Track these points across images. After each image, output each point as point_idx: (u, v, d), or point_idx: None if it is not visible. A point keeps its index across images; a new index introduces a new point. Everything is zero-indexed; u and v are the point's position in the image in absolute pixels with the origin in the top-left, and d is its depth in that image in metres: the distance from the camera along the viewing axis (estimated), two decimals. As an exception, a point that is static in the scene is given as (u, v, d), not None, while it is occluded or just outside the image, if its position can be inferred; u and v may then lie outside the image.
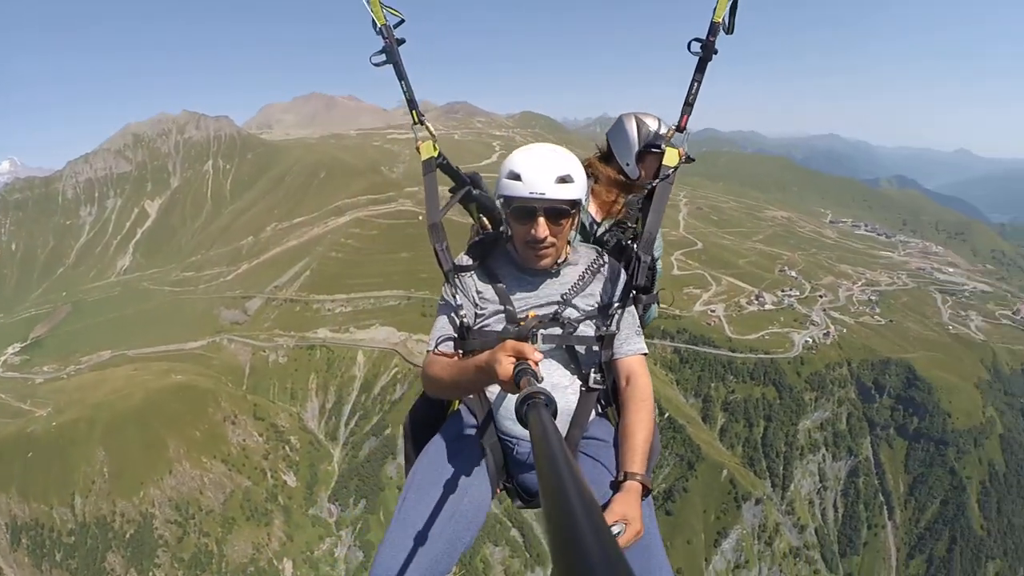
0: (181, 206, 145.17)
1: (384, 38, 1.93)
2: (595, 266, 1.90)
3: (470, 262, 1.91)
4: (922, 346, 67.84)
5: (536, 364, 1.31)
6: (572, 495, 0.54)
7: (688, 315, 69.16)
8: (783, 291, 78.81)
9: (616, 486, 1.58)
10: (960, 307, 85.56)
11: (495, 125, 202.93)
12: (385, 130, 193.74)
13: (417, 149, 2.01)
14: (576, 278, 1.87)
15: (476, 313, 1.85)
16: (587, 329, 1.82)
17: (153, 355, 73.77)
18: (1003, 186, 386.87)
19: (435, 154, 2.01)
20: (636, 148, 2.48)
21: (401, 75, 1.98)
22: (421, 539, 1.55)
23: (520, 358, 1.33)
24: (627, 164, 2.49)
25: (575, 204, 1.74)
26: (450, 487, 1.66)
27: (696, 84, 1.92)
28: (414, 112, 2.03)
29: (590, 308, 1.84)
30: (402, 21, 1.95)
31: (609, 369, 1.82)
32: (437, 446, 1.79)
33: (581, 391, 1.79)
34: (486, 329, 1.83)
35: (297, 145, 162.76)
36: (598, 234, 2.33)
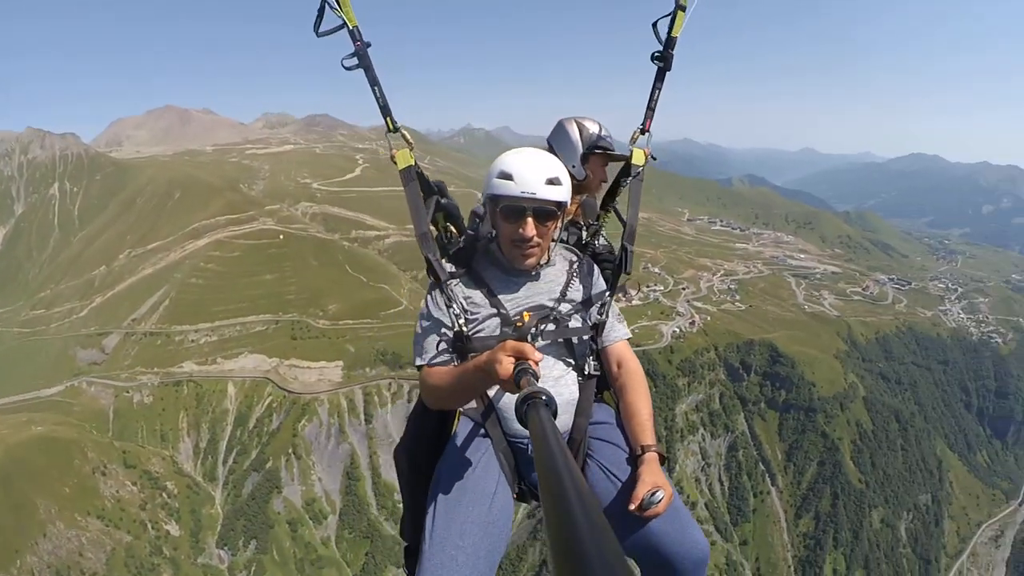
0: (27, 236, 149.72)
1: (355, 41, 2.29)
2: (573, 263, 2.50)
3: (454, 269, 2.37)
4: (782, 326, 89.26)
5: (536, 364, 1.65)
6: (572, 495, 0.68)
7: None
8: (648, 287, 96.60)
9: (635, 460, 2.15)
10: (813, 288, 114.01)
11: (357, 138, 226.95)
12: (243, 145, 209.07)
13: (392, 158, 2.43)
14: (559, 276, 2.43)
15: (467, 319, 2.27)
16: (578, 322, 2.39)
17: (7, 406, 75.91)
18: (845, 179, 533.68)
19: (412, 162, 2.44)
20: (580, 150, 3.05)
21: (374, 80, 2.35)
22: (464, 558, 1.86)
23: (520, 358, 1.67)
24: (573, 166, 3.01)
25: (561, 206, 2.22)
26: (477, 500, 2.01)
27: (656, 91, 2.66)
28: (388, 119, 2.41)
29: (577, 302, 2.40)
30: (343, 25, 2.31)
31: (599, 357, 2.43)
32: (451, 463, 2.14)
33: (579, 381, 2.35)
34: (482, 334, 2.27)
35: (150, 163, 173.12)
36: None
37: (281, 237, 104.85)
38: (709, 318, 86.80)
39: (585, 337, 2.37)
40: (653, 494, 1.94)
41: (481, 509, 1.98)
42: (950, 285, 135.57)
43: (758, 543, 67.85)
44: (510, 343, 1.72)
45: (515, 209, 2.17)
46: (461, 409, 2.29)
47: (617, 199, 2.93)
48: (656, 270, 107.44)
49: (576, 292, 2.41)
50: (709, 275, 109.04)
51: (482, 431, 2.21)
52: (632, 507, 1.97)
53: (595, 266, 2.57)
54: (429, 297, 2.33)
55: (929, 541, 72.17)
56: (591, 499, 0.69)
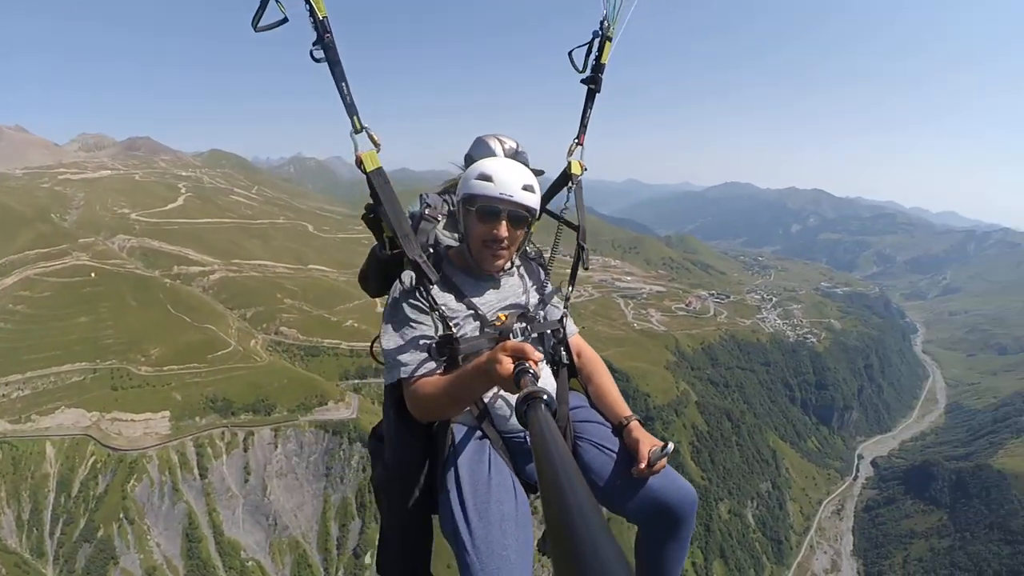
0: None
1: (324, 32, 2.77)
2: (525, 266, 3.47)
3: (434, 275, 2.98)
4: (614, 344, 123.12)
5: (536, 363, 2.20)
6: (571, 494, 0.91)
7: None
8: None
9: (620, 430, 3.12)
10: (641, 307, 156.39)
11: (181, 164, 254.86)
12: (56, 169, 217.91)
13: (358, 161, 2.95)
14: (518, 278, 3.35)
15: (435, 325, 2.94)
16: (545, 317, 3.33)
17: None
18: (666, 206, 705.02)
19: (380, 165, 3.00)
20: None
21: (342, 75, 2.84)
22: (515, 555, 2.43)
23: (519, 357, 2.23)
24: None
25: (532, 213, 3.07)
26: (503, 497, 2.63)
27: (588, 110, 3.69)
28: (355, 119, 2.90)
29: (539, 300, 3.35)
30: (284, 20, 2.81)
31: (567, 348, 3.35)
32: (464, 469, 2.76)
33: (554, 371, 3.23)
34: (468, 336, 2.97)
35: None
36: None
37: (93, 275, 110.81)
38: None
39: (553, 331, 3.33)
40: (662, 448, 2.91)
41: (510, 505, 2.65)
42: (765, 296, 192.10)
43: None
44: (509, 343, 2.33)
45: (491, 210, 3.00)
46: (456, 418, 2.99)
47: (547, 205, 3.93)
48: None
49: (536, 292, 3.41)
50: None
51: (479, 433, 2.95)
52: (642, 466, 2.89)
53: (541, 267, 3.64)
54: (406, 305, 2.98)
55: (776, 524, 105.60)
56: (592, 499, 0.92)
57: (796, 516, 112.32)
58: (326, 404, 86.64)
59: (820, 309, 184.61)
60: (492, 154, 3.76)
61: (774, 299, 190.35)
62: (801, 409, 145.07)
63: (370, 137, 2.98)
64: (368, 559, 76.49)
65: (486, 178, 2.99)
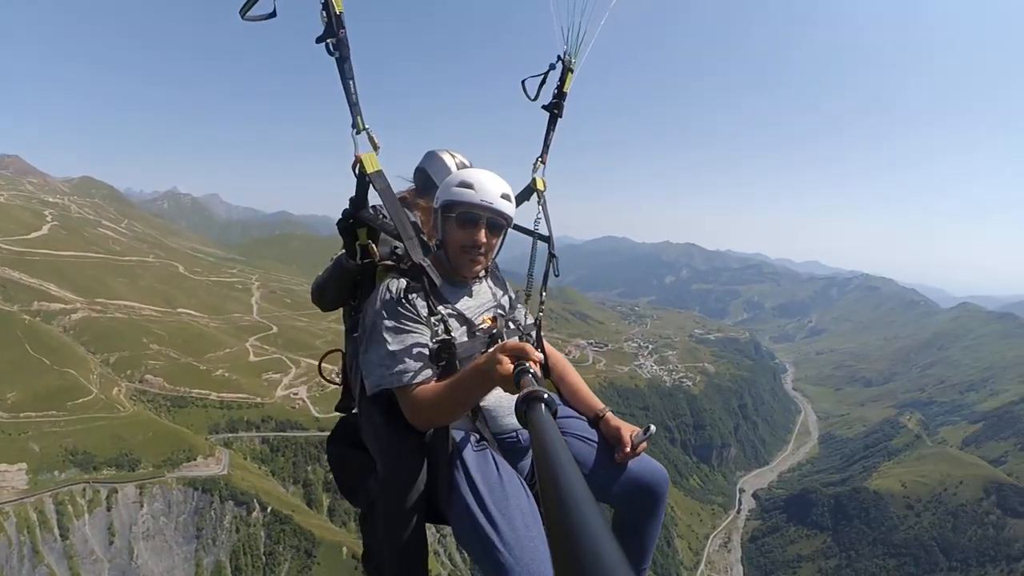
0: None
1: (339, 27, 2.84)
2: (492, 273, 3.52)
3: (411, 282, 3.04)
4: None
5: (536, 364, 2.23)
6: (573, 493, 0.94)
7: (271, 401, 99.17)
8: None
9: (597, 422, 3.34)
10: None
11: (49, 189, 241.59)
12: None
13: (357, 162, 3.00)
14: (491, 284, 3.43)
15: (433, 330, 2.96)
16: (522, 321, 3.49)
17: None
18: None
19: (380, 168, 3.06)
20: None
21: (350, 72, 2.92)
22: (542, 546, 2.49)
23: (519, 358, 2.27)
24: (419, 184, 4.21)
25: (509, 222, 3.17)
26: (517, 492, 2.71)
27: (551, 133, 4.03)
28: (359, 118, 2.97)
29: (511, 305, 3.48)
30: (273, 14, 2.94)
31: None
32: (474, 470, 2.78)
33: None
34: (461, 340, 2.99)
35: None
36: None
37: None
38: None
39: (532, 333, 3.45)
40: (644, 431, 3.17)
41: (524, 499, 2.71)
42: (642, 343, 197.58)
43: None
44: (509, 343, 2.38)
45: (471, 217, 3.06)
46: (452, 424, 2.95)
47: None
48: None
49: (507, 297, 3.51)
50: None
51: (476, 435, 2.97)
52: (627, 450, 3.12)
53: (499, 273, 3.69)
54: (396, 312, 2.95)
55: (666, 561, 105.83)
56: (592, 499, 0.93)
57: (685, 552, 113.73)
58: (194, 459, 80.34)
59: (694, 354, 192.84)
60: (446, 167, 4.00)
61: (650, 346, 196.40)
62: (681, 449, 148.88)
63: (370, 139, 3.02)
64: None
65: (467, 185, 3.06)
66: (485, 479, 2.71)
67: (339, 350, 3.86)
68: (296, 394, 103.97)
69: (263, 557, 75.05)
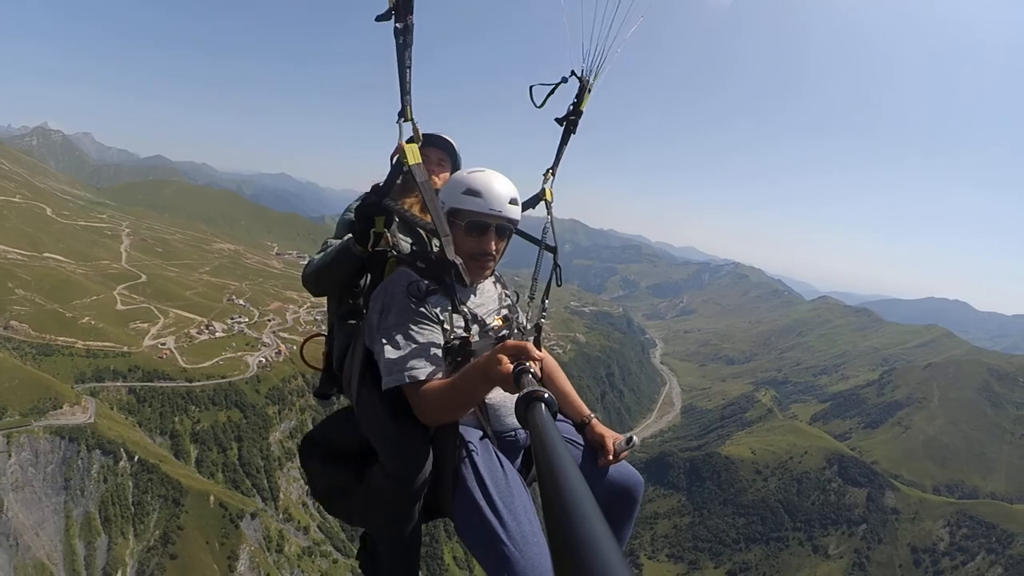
0: None
1: (408, 13, 2.88)
2: (495, 275, 3.55)
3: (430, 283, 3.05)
4: None
5: (536, 363, 2.27)
6: (573, 493, 0.95)
7: (138, 351, 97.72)
8: (232, 319, 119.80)
9: (583, 427, 3.41)
10: None
11: None
12: None
13: (399, 151, 3.06)
14: (494, 285, 3.49)
15: (444, 328, 3.02)
16: (525, 323, 3.53)
17: None
18: None
19: (420, 160, 3.05)
20: None
21: (410, 59, 2.95)
22: (542, 541, 2.54)
23: (519, 357, 2.31)
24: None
25: (516, 225, 3.21)
26: (521, 490, 2.79)
27: (563, 146, 4.09)
28: (409, 107, 3.01)
29: (514, 307, 3.52)
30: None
31: None
32: (482, 468, 2.81)
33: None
34: (474, 340, 3.05)
35: None
36: None
37: None
38: (295, 347, 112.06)
39: (532, 336, 3.48)
40: (627, 440, 3.26)
41: (527, 496, 2.78)
42: (547, 320, 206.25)
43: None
44: (510, 343, 2.41)
45: (481, 225, 3.06)
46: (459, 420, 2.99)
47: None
48: (241, 302, 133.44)
49: (509, 299, 3.54)
50: (296, 307, 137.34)
51: (480, 432, 3.02)
52: (609, 458, 3.19)
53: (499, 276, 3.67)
54: (411, 307, 2.95)
55: None
56: (592, 499, 0.94)
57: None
58: (61, 408, 77.94)
59: (567, 324, 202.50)
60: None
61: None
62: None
63: (415, 129, 3.05)
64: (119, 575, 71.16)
65: (475, 193, 3.04)
66: (492, 475, 2.78)
67: (322, 334, 3.82)
68: (164, 344, 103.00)
69: (132, 507, 74.73)
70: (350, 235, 3.30)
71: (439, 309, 3.00)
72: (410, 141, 3.05)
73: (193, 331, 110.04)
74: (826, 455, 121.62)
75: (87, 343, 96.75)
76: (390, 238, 3.28)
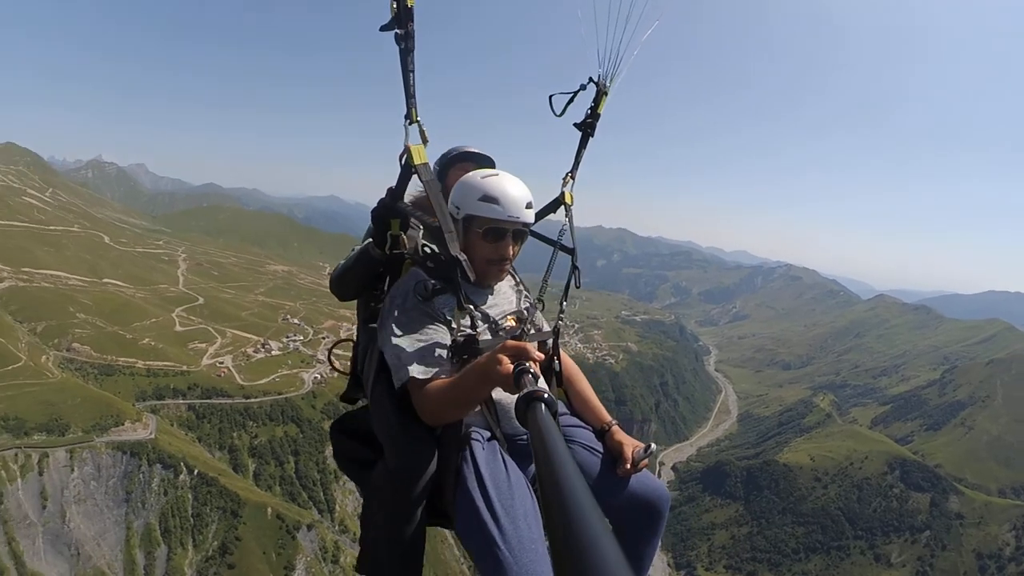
0: None
1: (409, 20, 2.96)
2: (512, 276, 3.59)
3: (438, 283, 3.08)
4: None
5: (536, 364, 2.30)
6: (573, 494, 0.95)
7: (197, 370, 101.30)
8: (288, 337, 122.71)
9: (602, 434, 3.35)
10: None
11: None
12: None
13: (406, 151, 3.09)
14: (512, 286, 3.50)
15: (452, 328, 3.04)
16: (541, 325, 3.57)
17: None
18: None
19: (427, 160, 3.12)
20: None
21: (413, 64, 3.02)
22: (543, 549, 2.50)
23: (519, 357, 2.34)
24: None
25: (529, 227, 3.24)
26: (524, 494, 2.73)
27: (582, 150, 4.11)
28: (414, 109, 3.04)
29: (530, 309, 3.49)
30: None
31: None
32: (485, 469, 2.78)
33: (546, 379, 3.34)
34: (484, 339, 3.06)
35: None
36: None
37: None
38: (348, 362, 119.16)
39: (549, 340, 3.49)
40: (646, 449, 3.19)
41: (529, 501, 2.71)
42: (568, 323, 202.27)
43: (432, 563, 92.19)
44: (509, 343, 2.43)
45: (499, 231, 3.09)
46: (465, 420, 2.97)
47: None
48: (296, 321, 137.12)
49: (526, 300, 3.54)
50: (349, 324, 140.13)
51: (487, 434, 2.99)
52: (627, 466, 3.11)
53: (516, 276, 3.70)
54: (419, 306, 2.99)
55: None
56: (592, 500, 0.94)
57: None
58: (122, 424, 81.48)
59: (619, 334, 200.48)
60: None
61: (576, 325, 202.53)
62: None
63: (421, 131, 3.10)
64: None
65: (492, 200, 3.06)
66: (493, 476, 2.76)
67: (350, 339, 3.91)
68: (222, 363, 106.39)
69: (191, 519, 77.00)
70: (369, 239, 3.40)
71: (447, 309, 3.03)
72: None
73: (250, 350, 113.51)
74: (887, 460, 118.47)
75: (147, 363, 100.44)
76: (406, 240, 3.33)
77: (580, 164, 4.12)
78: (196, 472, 79.46)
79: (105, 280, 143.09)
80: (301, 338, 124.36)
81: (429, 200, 3.57)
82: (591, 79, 3.99)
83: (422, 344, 2.89)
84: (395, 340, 2.91)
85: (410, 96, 3.03)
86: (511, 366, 2.29)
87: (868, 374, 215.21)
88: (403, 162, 3.11)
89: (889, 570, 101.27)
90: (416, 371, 2.81)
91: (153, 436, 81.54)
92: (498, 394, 2.90)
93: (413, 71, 3.01)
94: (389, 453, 2.96)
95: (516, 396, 2.02)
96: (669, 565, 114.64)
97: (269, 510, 77.78)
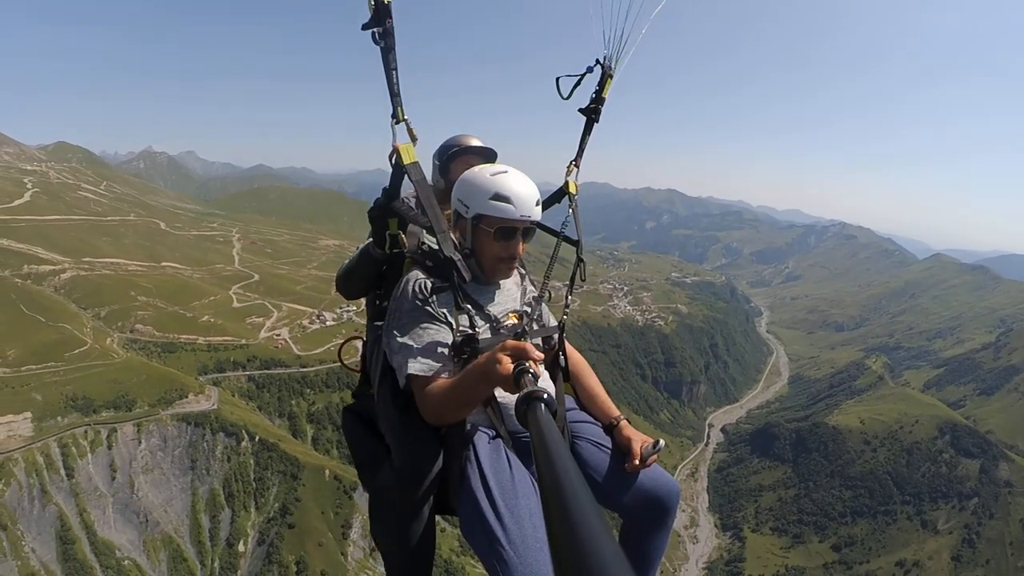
0: None
1: (387, 16, 2.94)
2: (518, 271, 3.55)
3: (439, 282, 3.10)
4: None
5: (536, 363, 2.31)
6: (572, 494, 0.95)
7: (255, 343, 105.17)
8: (341, 308, 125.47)
9: (611, 428, 3.34)
10: None
11: (25, 158, 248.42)
12: None
13: (395, 152, 3.13)
14: (516, 283, 3.47)
15: (452, 326, 3.04)
16: (546, 321, 3.61)
17: None
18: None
19: (416, 159, 3.13)
20: (437, 162, 4.25)
21: (394, 62, 3.02)
22: (546, 548, 2.35)
23: (519, 358, 2.34)
24: (436, 180, 4.25)
25: (537, 224, 3.24)
26: (528, 492, 2.74)
27: (587, 137, 4.05)
28: (400, 108, 3.06)
29: (535, 304, 3.48)
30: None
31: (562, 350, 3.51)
32: (489, 468, 2.82)
33: (551, 374, 3.42)
34: (484, 337, 3.06)
35: None
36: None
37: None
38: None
39: (555, 335, 3.49)
40: (654, 445, 3.18)
41: (533, 499, 2.71)
42: (617, 285, 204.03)
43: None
44: (509, 343, 2.45)
45: (511, 230, 3.08)
46: (469, 419, 3.00)
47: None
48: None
49: (531, 296, 3.53)
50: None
51: (492, 432, 3.02)
52: (635, 462, 3.11)
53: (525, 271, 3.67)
54: (419, 305, 3.01)
55: None
56: (592, 499, 0.93)
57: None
58: (186, 397, 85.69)
59: (669, 296, 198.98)
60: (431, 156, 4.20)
61: (625, 288, 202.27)
62: (652, 385, 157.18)
63: (409, 130, 3.16)
64: (241, 547, 77.86)
65: (504, 199, 3.03)
66: (496, 475, 2.78)
67: (359, 337, 3.95)
68: (279, 335, 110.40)
69: (253, 483, 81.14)
70: (370, 239, 3.49)
71: (448, 307, 3.06)
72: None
73: (305, 321, 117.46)
74: (938, 424, 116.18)
75: (208, 339, 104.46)
76: (405, 239, 3.38)
77: (584, 151, 4.11)
78: (257, 439, 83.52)
79: (163, 264, 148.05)
80: (354, 308, 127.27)
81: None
82: (597, 61, 3.96)
83: (422, 343, 2.95)
84: (395, 339, 3.00)
85: (395, 95, 3.10)
86: (511, 366, 2.35)
87: (922, 336, 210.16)
88: (393, 162, 3.20)
89: (935, 536, 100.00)
90: (416, 370, 2.89)
91: (216, 407, 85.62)
92: (501, 393, 2.94)
93: (396, 69, 3.06)
94: (395, 452, 3.05)
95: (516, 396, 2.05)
96: (716, 526, 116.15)
97: (327, 472, 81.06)
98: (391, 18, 2.95)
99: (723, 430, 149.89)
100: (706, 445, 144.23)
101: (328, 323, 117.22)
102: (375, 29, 2.97)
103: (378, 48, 3.04)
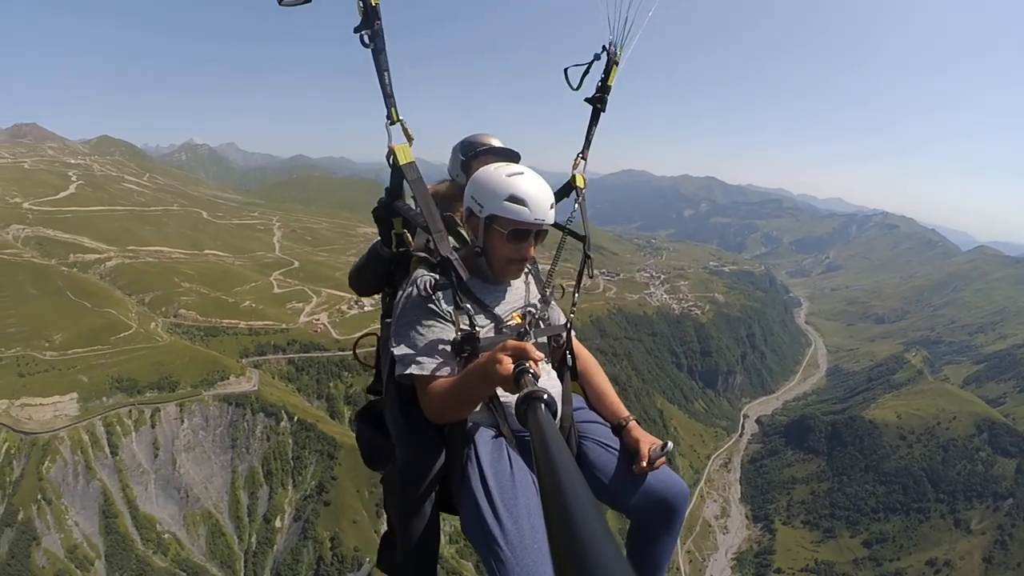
0: None
1: (375, 18, 2.94)
2: (529, 270, 3.50)
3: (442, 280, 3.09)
4: None
5: (536, 363, 2.31)
6: (571, 494, 0.95)
7: (295, 327, 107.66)
8: (379, 293, 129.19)
9: (619, 429, 3.34)
10: None
11: (69, 152, 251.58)
12: None
13: (391, 153, 3.12)
14: (525, 282, 3.46)
15: (457, 324, 3.05)
16: (553, 320, 3.55)
17: None
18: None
19: (412, 159, 3.14)
20: (461, 158, 4.21)
21: (385, 63, 3.02)
22: (545, 549, 2.43)
23: (519, 357, 2.35)
24: (457, 175, 4.23)
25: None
26: (528, 492, 2.72)
27: (593, 127, 4.01)
28: (393, 109, 3.06)
29: (543, 303, 3.47)
30: None
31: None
32: (489, 467, 2.82)
33: (558, 373, 3.43)
34: (487, 336, 3.05)
35: None
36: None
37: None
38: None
39: (563, 335, 3.49)
40: (662, 447, 3.16)
41: (533, 499, 2.69)
42: (654, 274, 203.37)
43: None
44: (510, 343, 2.47)
45: (524, 233, 3.07)
46: (472, 418, 3.02)
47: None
48: None
49: (538, 294, 3.51)
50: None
51: (494, 431, 3.03)
52: (643, 464, 3.09)
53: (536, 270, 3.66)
54: (423, 304, 3.03)
55: None
56: (592, 499, 0.93)
57: (686, 470, 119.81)
58: (227, 379, 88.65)
59: (706, 285, 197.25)
60: (453, 153, 4.27)
61: (662, 276, 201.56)
62: (688, 375, 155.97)
63: (404, 131, 3.14)
64: (278, 523, 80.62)
65: (519, 202, 3.01)
66: (496, 474, 2.78)
67: (373, 333, 3.94)
68: (318, 320, 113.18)
69: (291, 461, 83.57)
70: (378, 238, 3.54)
71: (452, 307, 3.07)
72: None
73: (344, 307, 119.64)
74: (976, 421, 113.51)
75: (249, 323, 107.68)
76: (410, 238, 3.45)
77: (591, 143, 4.06)
78: (296, 419, 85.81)
79: (206, 251, 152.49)
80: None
81: (442, 194, 4.07)
82: (604, 47, 3.92)
83: (426, 341, 2.98)
84: (398, 337, 3.02)
85: (388, 96, 3.10)
86: (511, 366, 2.36)
87: (964, 330, 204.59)
88: (391, 163, 3.19)
89: (968, 536, 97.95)
90: (416, 368, 2.91)
91: (256, 388, 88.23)
92: (503, 392, 2.81)
93: (387, 70, 3.07)
94: (398, 449, 3.09)
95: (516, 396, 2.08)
96: (747, 517, 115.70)
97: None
98: (380, 20, 2.97)
99: (758, 421, 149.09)
100: (740, 436, 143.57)
101: (366, 308, 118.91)
102: (364, 31, 3.00)
103: (368, 51, 3.08)
